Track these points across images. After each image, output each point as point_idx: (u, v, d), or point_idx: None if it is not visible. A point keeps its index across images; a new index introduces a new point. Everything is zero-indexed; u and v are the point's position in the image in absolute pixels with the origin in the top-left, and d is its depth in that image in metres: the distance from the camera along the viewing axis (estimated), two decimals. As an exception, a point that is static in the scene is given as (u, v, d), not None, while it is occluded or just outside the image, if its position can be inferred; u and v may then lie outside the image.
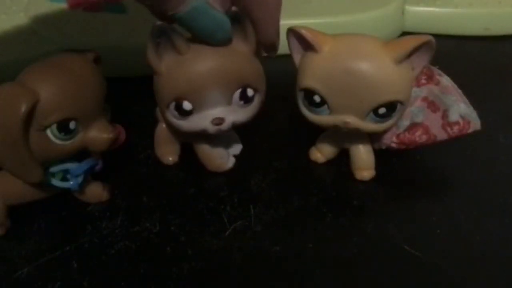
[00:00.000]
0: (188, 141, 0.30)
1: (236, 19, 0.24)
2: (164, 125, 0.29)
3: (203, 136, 0.28)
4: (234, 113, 0.26)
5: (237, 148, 0.31)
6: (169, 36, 0.24)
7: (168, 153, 0.30)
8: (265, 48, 0.26)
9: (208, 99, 0.25)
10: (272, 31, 0.25)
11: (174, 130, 0.28)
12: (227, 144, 0.30)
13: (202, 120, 0.25)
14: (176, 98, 0.25)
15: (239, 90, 0.25)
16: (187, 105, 0.25)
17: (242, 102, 0.26)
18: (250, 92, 0.26)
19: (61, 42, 0.37)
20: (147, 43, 0.24)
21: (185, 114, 0.25)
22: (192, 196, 0.29)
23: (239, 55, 0.25)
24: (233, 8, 0.23)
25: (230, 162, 0.30)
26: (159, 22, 0.23)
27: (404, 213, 0.27)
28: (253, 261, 0.25)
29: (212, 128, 0.26)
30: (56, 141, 0.23)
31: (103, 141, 0.25)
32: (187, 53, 0.24)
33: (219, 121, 0.25)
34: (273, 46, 0.26)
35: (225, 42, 0.24)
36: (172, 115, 0.26)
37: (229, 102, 0.25)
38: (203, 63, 0.24)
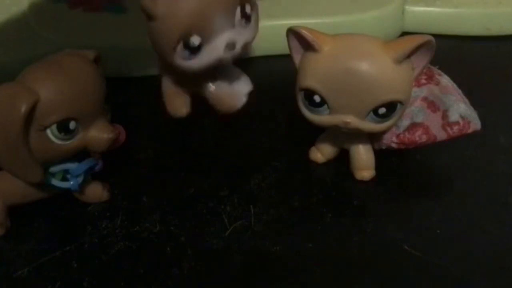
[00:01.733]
0: (196, 88, 0.29)
1: None
2: (169, 79, 0.29)
3: (211, 79, 0.27)
4: (241, 34, 0.25)
5: (247, 86, 0.29)
6: None
7: (180, 106, 0.30)
8: None
9: (215, 26, 0.24)
10: None
11: (181, 80, 0.27)
12: (235, 83, 0.29)
13: (215, 50, 0.25)
14: (183, 35, 0.24)
15: (239, 9, 0.25)
16: (196, 40, 0.24)
17: (243, 21, 0.25)
18: (248, 8, 0.25)
19: (61, 42, 0.37)
20: None
21: (195, 50, 0.24)
22: (192, 196, 0.29)
23: None
24: None
25: (241, 100, 0.29)
26: None
27: (404, 213, 0.27)
28: (253, 261, 0.25)
29: (226, 54, 0.25)
30: (56, 141, 0.23)
31: (103, 141, 0.25)
32: None
33: (232, 45, 0.25)
34: None
35: None
36: (181, 57, 0.25)
37: (233, 24, 0.25)
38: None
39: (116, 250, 0.26)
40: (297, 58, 0.27)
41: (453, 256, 0.25)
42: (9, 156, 0.23)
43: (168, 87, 0.29)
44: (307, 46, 0.25)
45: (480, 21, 0.42)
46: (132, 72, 0.37)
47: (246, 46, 0.26)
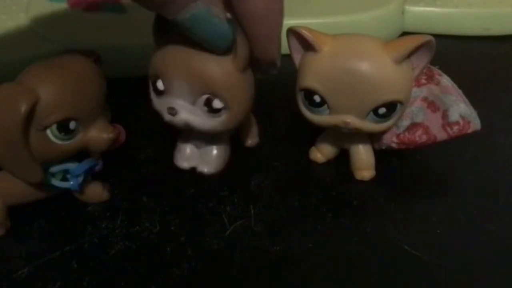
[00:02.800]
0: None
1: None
2: None
3: (188, 131, 0.28)
4: (193, 115, 0.26)
5: (206, 167, 0.29)
6: (172, 25, 0.24)
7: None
8: (264, 65, 0.25)
9: (175, 88, 0.25)
10: (272, 49, 0.24)
11: None
12: (201, 154, 0.30)
13: (163, 104, 0.26)
14: (154, 74, 0.26)
15: (205, 96, 0.25)
16: (160, 85, 0.26)
17: (205, 109, 0.25)
18: (216, 103, 0.25)
19: (61, 42, 0.37)
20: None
21: (157, 92, 0.26)
22: (192, 196, 0.29)
23: (220, 63, 0.24)
24: (228, 16, 0.23)
25: (187, 163, 0.30)
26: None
27: (404, 213, 0.27)
28: (253, 261, 0.25)
29: (166, 116, 0.26)
30: (56, 141, 0.23)
31: (103, 141, 0.25)
32: (177, 38, 0.24)
33: (171, 111, 0.26)
34: (274, 64, 0.25)
35: (225, 50, 0.24)
36: (151, 89, 0.27)
37: (193, 102, 0.25)
38: (182, 52, 0.24)
39: (116, 250, 0.26)
40: (297, 58, 0.27)
41: (453, 256, 0.25)
42: (9, 156, 0.23)
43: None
44: (307, 46, 0.25)
45: (480, 21, 0.42)
46: (132, 72, 0.37)
47: (204, 131, 0.27)
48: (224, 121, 0.26)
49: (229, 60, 0.24)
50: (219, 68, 0.24)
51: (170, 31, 0.24)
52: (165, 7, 0.21)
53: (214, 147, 0.29)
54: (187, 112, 0.26)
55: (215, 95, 0.25)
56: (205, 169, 0.29)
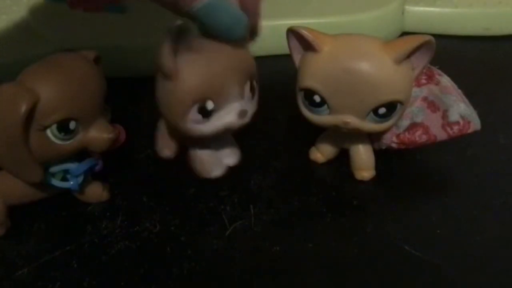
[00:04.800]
0: (185, 144, 0.30)
1: None
2: (165, 123, 0.29)
3: (201, 140, 0.28)
4: (249, 105, 0.26)
5: (233, 158, 0.30)
6: (186, 36, 0.23)
7: (164, 148, 0.31)
8: (251, 32, 0.26)
9: (229, 95, 0.25)
10: (258, 13, 0.25)
11: (174, 130, 0.28)
12: (222, 152, 0.30)
13: (227, 116, 0.25)
14: (199, 99, 0.24)
15: (249, 83, 0.25)
16: (210, 105, 0.24)
17: (250, 95, 0.26)
18: (254, 83, 0.26)
19: (61, 42, 0.37)
20: (162, 46, 0.23)
21: (207, 115, 0.25)
22: (192, 196, 0.29)
23: (243, 48, 0.25)
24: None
25: (219, 171, 0.29)
26: (178, 23, 0.22)
27: (404, 213, 0.27)
28: (253, 261, 0.25)
29: (238, 122, 0.25)
30: (56, 141, 0.23)
31: (103, 141, 0.25)
32: (202, 51, 0.24)
33: (244, 113, 0.25)
34: (257, 29, 0.26)
35: (241, 38, 0.24)
36: (193, 121, 0.25)
37: (242, 96, 0.25)
38: (220, 59, 0.24)
39: (116, 250, 0.26)
40: (297, 58, 0.27)
41: (453, 256, 0.25)
42: (9, 156, 0.23)
43: (161, 128, 0.30)
44: (307, 46, 0.25)
45: (479, 21, 0.42)
46: (132, 72, 0.37)
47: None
48: (257, 96, 0.27)
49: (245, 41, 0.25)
50: (243, 52, 0.25)
51: (180, 54, 0.24)
52: (180, 0, 0.21)
53: (230, 138, 0.30)
54: (247, 105, 0.26)
55: (252, 77, 0.26)
56: (232, 161, 0.30)
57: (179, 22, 0.23)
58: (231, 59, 0.24)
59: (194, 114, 0.24)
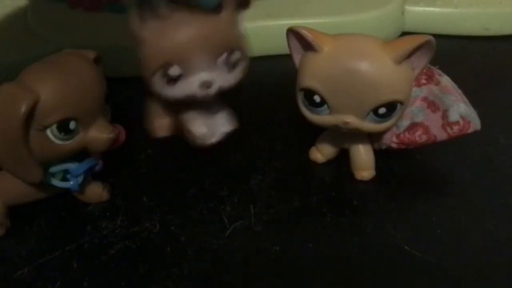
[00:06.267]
0: (177, 114, 0.29)
1: None
2: (153, 100, 0.30)
3: (191, 108, 0.28)
4: (221, 77, 0.26)
5: (227, 125, 0.29)
6: (152, 3, 0.24)
7: (160, 128, 0.31)
8: (241, 2, 0.26)
9: (195, 64, 0.25)
10: None
11: (162, 104, 0.28)
12: (216, 119, 0.29)
13: (190, 85, 0.26)
14: (163, 64, 0.25)
15: (225, 54, 0.25)
16: (175, 70, 0.25)
17: (227, 67, 0.26)
18: (236, 55, 0.26)
19: (61, 42, 0.37)
20: (131, 12, 0.24)
21: (172, 80, 0.25)
22: (192, 196, 0.29)
23: (221, 19, 0.25)
24: None
25: (215, 138, 0.29)
26: None
27: (404, 213, 0.27)
28: (253, 261, 0.25)
29: (200, 92, 0.26)
30: (56, 141, 0.23)
31: (103, 141, 0.25)
32: (170, 19, 0.24)
33: (207, 84, 0.25)
34: (247, 1, 0.26)
35: (215, 6, 0.24)
36: (158, 84, 0.26)
37: (214, 67, 0.25)
38: (188, 27, 0.24)
39: (116, 250, 0.26)
40: (297, 58, 0.27)
41: (453, 256, 0.25)
42: (9, 156, 0.23)
43: (151, 107, 0.30)
44: (307, 46, 0.25)
45: (480, 21, 0.42)
46: (132, 72, 0.37)
47: (229, 88, 0.27)
48: (241, 70, 0.27)
49: (224, 14, 0.25)
50: (223, 24, 0.25)
51: (150, 21, 0.25)
52: None
53: (224, 108, 0.29)
54: (216, 78, 0.26)
55: (232, 49, 0.25)
56: (228, 128, 0.29)
57: None
58: (201, 27, 0.25)
59: (158, 77, 0.25)
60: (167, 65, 0.25)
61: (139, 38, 0.25)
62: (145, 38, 0.25)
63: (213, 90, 0.26)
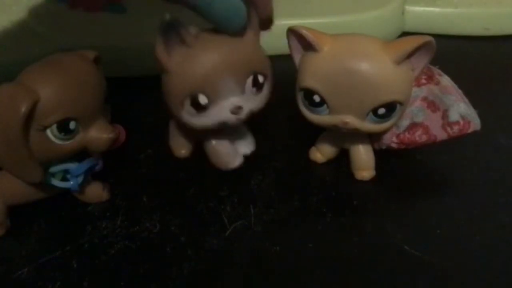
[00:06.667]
0: (200, 138, 0.29)
1: None
2: (176, 122, 0.29)
3: (215, 132, 0.27)
4: (250, 101, 0.26)
5: (248, 147, 0.30)
6: (178, 30, 0.23)
7: (180, 148, 0.31)
8: (263, 23, 0.26)
9: (223, 90, 0.25)
10: (270, 5, 0.25)
11: (187, 127, 0.28)
12: (237, 142, 0.30)
13: (221, 112, 0.25)
14: (191, 93, 0.24)
15: (251, 77, 0.25)
16: (203, 99, 0.25)
17: (254, 89, 0.26)
18: (261, 78, 0.26)
19: (61, 42, 0.37)
20: (156, 39, 0.24)
21: (201, 109, 0.25)
22: (192, 196, 0.29)
23: (246, 42, 0.25)
24: None
25: (238, 161, 0.29)
26: (168, 17, 0.23)
27: (404, 213, 0.27)
28: (253, 261, 0.25)
29: (231, 118, 0.25)
30: (56, 141, 0.23)
31: (103, 141, 0.25)
32: (196, 46, 0.24)
33: (238, 109, 0.25)
34: (271, 20, 0.26)
35: (240, 29, 0.24)
36: (187, 113, 0.25)
37: (242, 91, 0.25)
38: (214, 54, 0.24)
39: (116, 250, 0.26)
40: (297, 58, 0.27)
41: (453, 256, 0.25)
42: (9, 156, 0.23)
43: (174, 128, 0.30)
44: (307, 46, 0.25)
45: (480, 21, 0.42)
46: (132, 72, 0.37)
47: (257, 112, 0.27)
48: (267, 92, 0.27)
49: (249, 35, 0.25)
50: (247, 46, 0.25)
51: (175, 49, 0.24)
52: None
53: (244, 128, 0.30)
54: (246, 102, 0.25)
55: (256, 72, 0.25)
56: (249, 150, 0.30)
57: (167, 15, 0.23)
58: (227, 52, 0.24)
59: (187, 107, 0.25)
60: (195, 93, 0.24)
61: (164, 66, 0.24)
62: (171, 67, 0.24)
63: (244, 114, 0.26)
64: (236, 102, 0.25)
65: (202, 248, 0.26)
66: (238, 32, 0.24)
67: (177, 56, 0.24)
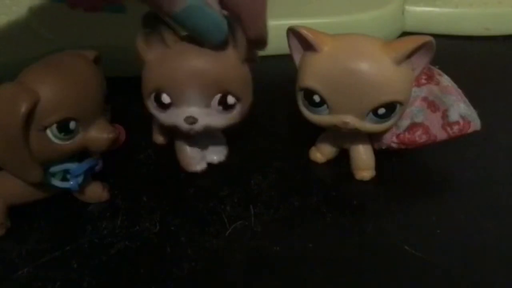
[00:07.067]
0: (173, 135, 0.30)
1: (227, 24, 0.24)
2: None
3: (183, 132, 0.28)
4: (210, 117, 0.26)
5: (218, 156, 0.30)
6: (159, 27, 0.24)
7: (159, 134, 0.31)
8: (256, 44, 0.26)
9: (186, 97, 0.25)
10: (261, 25, 0.25)
11: None
12: (207, 148, 0.30)
13: (176, 116, 0.26)
14: (156, 89, 0.25)
15: (219, 95, 0.25)
16: (165, 98, 0.25)
17: (220, 108, 0.26)
18: (230, 99, 0.26)
19: (61, 42, 0.37)
20: (139, 32, 0.25)
21: (163, 106, 0.26)
22: (192, 196, 0.29)
23: (225, 59, 0.25)
24: (224, 12, 0.24)
25: (200, 166, 0.29)
26: (151, 11, 0.23)
27: (404, 213, 0.27)
28: (253, 261, 0.25)
29: (184, 126, 0.26)
30: (56, 141, 0.23)
31: (103, 141, 0.25)
32: (174, 48, 0.25)
33: (192, 120, 0.25)
34: (264, 41, 0.26)
35: (220, 43, 0.24)
36: (151, 105, 0.26)
37: (207, 105, 0.25)
38: (186, 60, 0.25)
39: (116, 250, 0.26)
40: (297, 58, 0.27)
41: (453, 256, 0.25)
42: (9, 156, 0.23)
43: (154, 120, 0.31)
44: (307, 46, 0.25)
45: (480, 21, 0.42)
46: (132, 72, 0.37)
47: (218, 129, 0.27)
48: (238, 114, 0.26)
49: (231, 54, 0.25)
50: (225, 65, 0.25)
51: (155, 45, 0.25)
52: (163, 2, 0.22)
53: (220, 137, 0.30)
54: (205, 116, 0.26)
55: (227, 91, 0.25)
56: (217, 159, 0.30)
57: (151, 11, 0.24)
58: (200, 63, 0.25)
59: (152, 100, 0.26)
60: (159, 91, 0.25)
61: (142, 59, 0.26)
62: (147, 61, 0.26)
63: (198, 126, 0.26)
64: (191, 112, 0.25)
65: (202, 248, 0.26)
66: (218, 46, 0.24)
67: (154, 51, 0.25)
